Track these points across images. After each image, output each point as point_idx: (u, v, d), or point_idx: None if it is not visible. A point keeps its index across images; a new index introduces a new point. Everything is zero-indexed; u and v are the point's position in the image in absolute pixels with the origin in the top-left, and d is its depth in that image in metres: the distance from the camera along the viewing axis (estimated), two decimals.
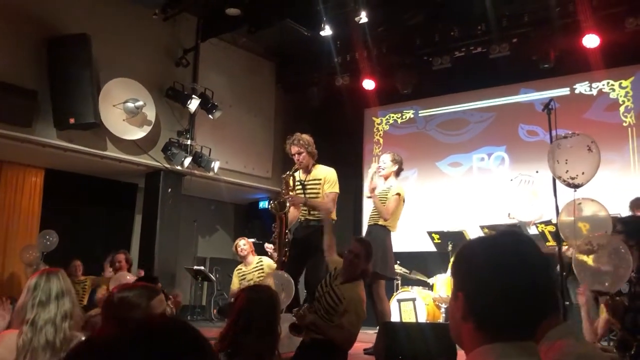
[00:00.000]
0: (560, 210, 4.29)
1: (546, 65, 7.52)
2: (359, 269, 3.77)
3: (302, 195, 5.13)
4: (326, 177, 5.15)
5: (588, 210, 4.07)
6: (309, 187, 5.15)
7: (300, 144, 5.14)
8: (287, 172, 5.23)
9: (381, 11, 7.92)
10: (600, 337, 3.80)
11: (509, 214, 6.97)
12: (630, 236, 3.39)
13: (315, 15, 7.90)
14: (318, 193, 5.10)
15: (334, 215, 5.10)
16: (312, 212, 5.09)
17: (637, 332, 3.11)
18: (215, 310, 8.96)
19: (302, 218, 5.14)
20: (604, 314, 3.87)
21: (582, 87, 7.93)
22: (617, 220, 3.79)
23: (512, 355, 1.06)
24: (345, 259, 3.84)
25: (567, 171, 4.14)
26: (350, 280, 3.69)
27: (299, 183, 5.19)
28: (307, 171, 5.23)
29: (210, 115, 8.43)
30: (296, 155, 5.16)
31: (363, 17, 7.59)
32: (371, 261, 3.84)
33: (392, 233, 5.37)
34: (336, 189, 5.14)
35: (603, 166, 4.75)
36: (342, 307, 3.58)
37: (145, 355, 0.65)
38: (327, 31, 8.13)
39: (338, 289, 3.67)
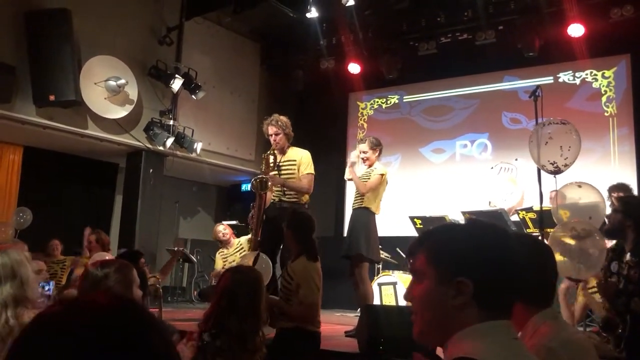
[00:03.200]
0: (555, 196, 4.33)
1: (531, 54, 7.55)
2: (294, 243, 3.73)
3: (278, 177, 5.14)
4: (302, 159, 5.17)
5: (587, 195, 4.09)
6: (284, 168, 5.16)
7: (278, 125, 5.18)
8: (268, 151, 5.23)
9: None
10: (577, 321, 3.86)
11: (489, 202, 7.03)
12: (629, 216, 3.38)
13: None
14: (293, 174, 5.13)
15: (307, 197, 5.14)
16: (286, 193, 5.11)
17: (629, 315, 3.15)
18: (195, 292, 8.94)
19: (276, 199, 5.15)
20: (580, 299, 3.93)
21: (565, 76, 7.98)
22: (616, 199, 3.79)
23: (500, 332, 1.08)
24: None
25: (567, 157, 4.17)
26: (298, 256, 3.67)
27: (274, 164, 5.19)
28: (282, 152, 5.26)
29: (193, 96, 8.33)
30: (273, 135, 5.19)
31: (350, 0, 7.53)
32: (306, 231, 3.76)
33: (376, 216, 5.38)
34: (312, 170, 5.18)
35: (583, 155, 4.81)
36: (294, 283, 3.55)
37: (89, 332, 0.65)
38: (312, 13, 8.06)
39: (290, 267, 3.66)
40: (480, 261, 1.10)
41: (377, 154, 5.46)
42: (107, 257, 5.24)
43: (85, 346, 0.63)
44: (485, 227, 1.18)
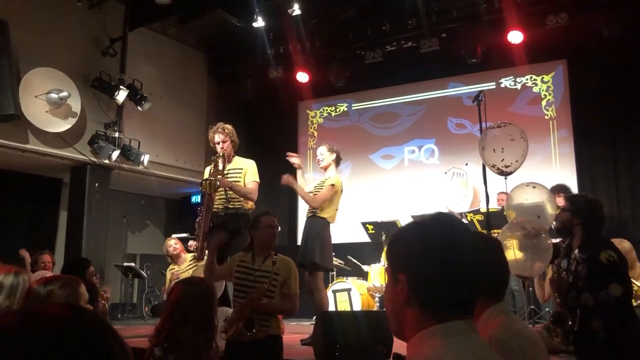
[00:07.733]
0: (505, 198, 4.46)
1: (473, 60, 7.78)
2: (273, 243, 3.90)
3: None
4: (248, 167, 5.21)
5: (536, 195, 4.24)
6: (230, 176, 5.15)
7: (225, 133, 5.20)
8: (217, 154, 5.19)
9: (314, 4, 7.92)
10: (548, 297, 3.96)
11: (447, 207, 7.19)
12: (576, 214, 3.51)
13: (247, 6, 7.80)
14: (239, 182, 5.14)
15: (252, 204, 5.15)
16: (231, 201, 5.09)
17: (578, 309, 3.26)
18: (147, 308, 8.73)
19: (221, 207, 5.11)
20: (549, 274, 4.03)
21: (507, 82, 8.26)
22: (565, 198, 3.92)
23: (456, 333, 1.08)
24: (266, 236, 3.81)
25: (503, 159, 4.31)
26: (269, 256, 3.74)
27: (222, 169, 5.17)
28: (229, 160, 5.26)
29: (139, 107, 8.16)
30: (220, 143, 5.19)
31: (296, 10, 7.57)
32: None
33: (330, 225, 5.40)
34: (257, 178, 5.22)
35: (527, 157, 4.97)
36: (281, 277, 3.65)
37: (48, 342, 0.63)
38: (259, 23, 8.05)
39: (266, 267, 3.69)
40: (416, 259, 1.14)
41: (333, 157, 5.53)
42: (48, 275, 5.06)
43: (43, 357, 0.61)
44: (434, 226, 1.19)
